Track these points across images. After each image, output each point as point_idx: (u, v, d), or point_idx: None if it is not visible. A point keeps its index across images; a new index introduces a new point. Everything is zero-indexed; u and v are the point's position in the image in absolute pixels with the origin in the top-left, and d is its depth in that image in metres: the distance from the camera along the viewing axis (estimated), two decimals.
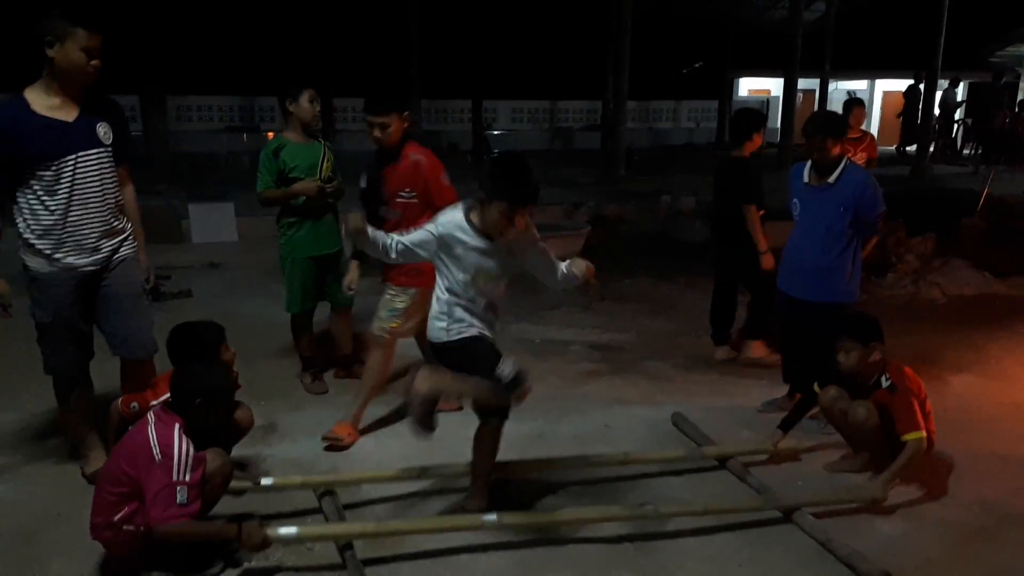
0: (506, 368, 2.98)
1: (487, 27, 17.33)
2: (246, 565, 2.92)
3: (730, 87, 22.18)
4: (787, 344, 4.54)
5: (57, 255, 3.21)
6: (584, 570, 3.01)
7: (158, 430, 2.77)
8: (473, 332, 3.07)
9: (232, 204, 9.37)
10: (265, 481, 3.35)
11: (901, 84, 18.90)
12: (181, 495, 2.68)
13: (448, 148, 18.04)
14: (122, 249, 3.39)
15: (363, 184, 4.07)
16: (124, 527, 2.74)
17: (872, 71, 21.91)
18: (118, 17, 11.65)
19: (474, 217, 2.97)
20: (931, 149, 16.46)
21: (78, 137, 3.18)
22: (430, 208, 3.71)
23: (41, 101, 3.12)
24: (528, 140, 20.16)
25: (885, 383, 3.57)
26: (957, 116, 18.94)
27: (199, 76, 17.14)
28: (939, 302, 6.93)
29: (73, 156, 3.16)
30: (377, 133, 3.83)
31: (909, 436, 3.43)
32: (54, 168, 3.13)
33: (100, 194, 3.26)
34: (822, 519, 3.28)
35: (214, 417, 2.93)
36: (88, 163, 3.20)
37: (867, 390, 3.62)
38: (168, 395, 3.19)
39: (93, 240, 3.27)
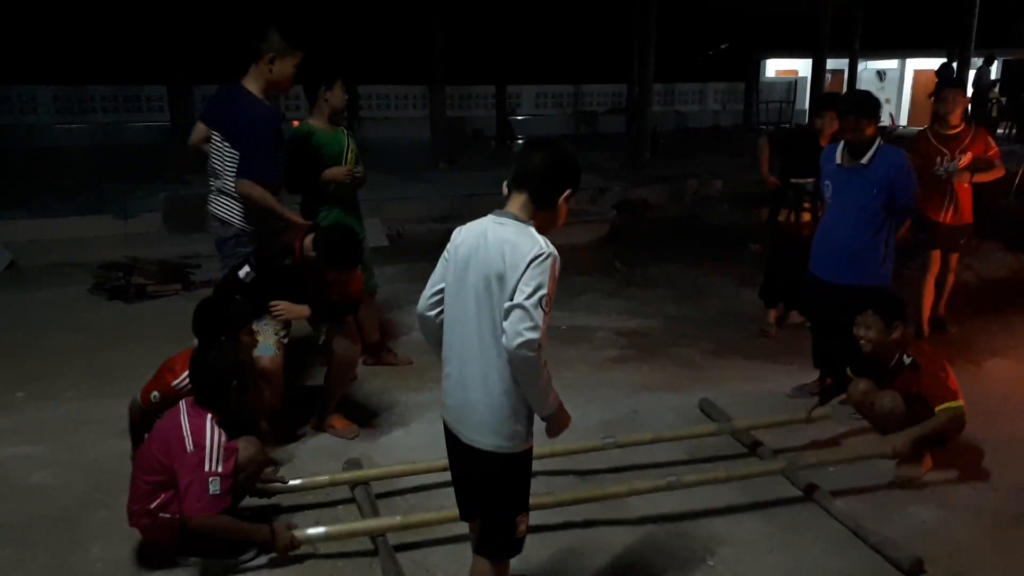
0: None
1: (511, 11, 17.22)
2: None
3: (757, 69, 21.88)
4: (817, 328, 4.49)
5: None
6: (614, 554, 3.02)
7: (191, 419, 2.81)
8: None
9: None
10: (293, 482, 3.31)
11: (933, 63, 18.50)
12: (213, 486, 2.71)
13: (472, 134, 17.98)
14: None
15: (247, 276, 3.61)
16: (160, 515, 2.79)
17: (903, 49, 21.46)
18: (145, 9, 11.79)
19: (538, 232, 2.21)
20: None
21: None
22: None
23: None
24: (552, 125, 20.03)
25: (907, 361, 3.54)
26: (991, 95, 18.51)
27: (225, 66, 17.23)
28: (972, 285, 6.81)
29: None
30: None
31: (943, 407, 3.38)
32: None
33: None
34: (852, 504, 3.25)
35: (233, 401, 2.93)
36: None
37: (890, 372, 3.59)
38: (186, 375, 3.23)
39: None
